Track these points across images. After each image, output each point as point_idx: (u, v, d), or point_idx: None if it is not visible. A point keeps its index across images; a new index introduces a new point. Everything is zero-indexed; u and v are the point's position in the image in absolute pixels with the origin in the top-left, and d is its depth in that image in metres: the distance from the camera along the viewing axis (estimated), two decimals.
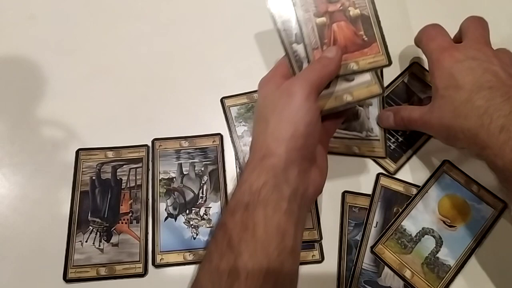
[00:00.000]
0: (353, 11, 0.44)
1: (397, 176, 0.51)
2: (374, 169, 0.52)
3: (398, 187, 0.50)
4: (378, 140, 0.52)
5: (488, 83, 0.41)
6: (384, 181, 0.50)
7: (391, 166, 0.51)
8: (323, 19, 0.44)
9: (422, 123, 0.46)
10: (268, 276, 0.33)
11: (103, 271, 0.46)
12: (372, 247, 0.47)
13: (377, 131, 0.52)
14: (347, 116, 0.52)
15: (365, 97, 0.43)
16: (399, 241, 0.47)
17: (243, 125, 0.53)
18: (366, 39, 0.43)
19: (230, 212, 0.36)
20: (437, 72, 0.45)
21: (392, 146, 0.52)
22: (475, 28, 0.47)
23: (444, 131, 0.44)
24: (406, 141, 0.53)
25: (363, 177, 0.51)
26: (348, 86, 0.43)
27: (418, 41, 0.50)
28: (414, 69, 0.57)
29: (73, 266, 0.46)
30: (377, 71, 0.44)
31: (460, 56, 0.43)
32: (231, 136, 0.53)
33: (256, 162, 0.38)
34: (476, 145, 0.41)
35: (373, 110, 0.53)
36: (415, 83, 0.56)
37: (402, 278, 0.45)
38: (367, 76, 0.43)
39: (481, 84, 0.41)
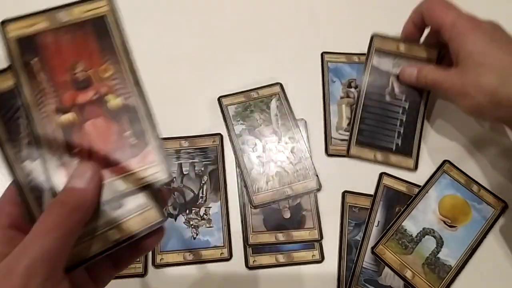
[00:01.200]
0: (113, 101, 0.30)
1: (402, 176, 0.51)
2: (374, 169, 0.52)
3: (401, 187, 0.50)
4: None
5: None
6: (387, 180, 0.50)
7: (407, 161, 0.51)
8: (69, 115, 0.29)
9: (450, 86, 0.45)
10: None
11: None
12: (372, 248, 0.47)
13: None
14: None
15: (141, 229, 0.29)
16: (400, 242, 0.47)
17: (241, 124, 0.53)
18: (135, 142, 0.30)
19: None
20: (471, 37, 0.43)
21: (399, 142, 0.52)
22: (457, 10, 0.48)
23: (483, 98, 0.42)
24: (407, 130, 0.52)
25: (363, 177, 0.51)
26: (113, 216, 0.29)
27: (421, 10, 0.49)
28: (376, 44, 0.53)
29: None
30: (155, 189, 0.30)
31: (488, 27, 0.45)
32: (229, 135, 0.53)
33: None
34: None
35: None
36: (384, 59, 0.53)
37: (403, 278, 0.45)
38: (140, 198, 0.30)
39: None
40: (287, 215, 0.49)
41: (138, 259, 0.47)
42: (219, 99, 0.55)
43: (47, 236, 0.25)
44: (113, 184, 0.29)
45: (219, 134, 0.53)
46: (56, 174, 0.28)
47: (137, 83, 0.31)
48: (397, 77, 0.52)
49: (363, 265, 0.46)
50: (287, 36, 0.59)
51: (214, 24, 0.61)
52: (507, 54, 0.42)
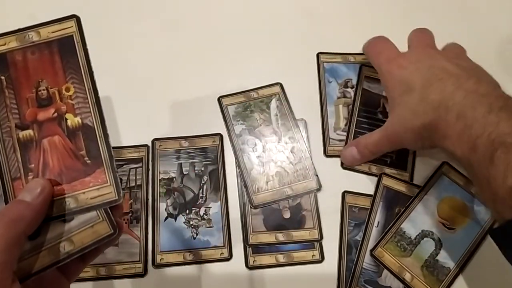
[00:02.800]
0: (72, 120, 0.31)
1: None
2: (374, 169, 0.52)
3: (401, 188, 0.50)
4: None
5: (436, 77, 0.41)
6: (386, 181, 0.50)
7: (403, 175, 0.51)
8: (29, 132, 0.31)
9: (388, 139, 0.46)
10: None
11: (103, 271, 0.46)
12: (371, 250, 0.47)
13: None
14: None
15: (92, 241, 0.31)
16: (399, 244, 0.47)
17: (241, 124, 0.53)
18: (89, 162, 0.31)
19: None
20: (389, 83, 0.45)
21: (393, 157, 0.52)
22: (418, 37, 0.49)
23: (409, 135, 0.43)
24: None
25: (363, 177, 0.51)
26: (65, 229, 0.30)
27: (366, 55, 0.51)
28: (365, 72, 0.56)
29: None
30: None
31: (405, 63, 0.44)
32: (229, 135, 0.53)
33: None
34: (439, 139, 0.41)
35: None
36: (374, 84, 0.55)
37: (402, 281, 0.45)
38: (91, 212, 0.31)
39: (429, 79, 0.42)
40: (287, 215, 0.50)
41: (138, 259, 0.47)
42: (219, 99, 0.55)
43: None
44: (65, 201, 0.30)
45: (219, 134, 0.53)
46: (11, 188, 0.30)
47: (97, 103, 0.32)
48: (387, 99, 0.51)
49: (363, 266, 0.46)
50: (285, 36, 0.59)
51: (214, 24, 0.60)
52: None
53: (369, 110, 0.54)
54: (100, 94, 0.55)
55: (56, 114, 0.31)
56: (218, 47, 0.59)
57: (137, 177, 0.51)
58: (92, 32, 0.61)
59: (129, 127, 0.54)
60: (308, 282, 0.47)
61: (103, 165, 0.31)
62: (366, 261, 0.47)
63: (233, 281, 0.47)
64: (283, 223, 0.49)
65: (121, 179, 0.48)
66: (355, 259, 0.47)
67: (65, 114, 0.31)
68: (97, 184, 0.31)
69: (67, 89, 0.32)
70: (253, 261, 0.48)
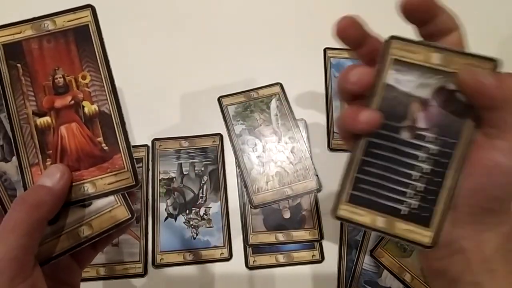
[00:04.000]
0: (89, 108, 0.32)
1: None
2: None
3: None
4: None
5: None
6: None
7: (423, 234, 0.29)
8: (46, 118, 0.31)
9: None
10: None
11: (103, 271, 0.46)
12: (371, 251, 0.47)
13: None
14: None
15: (110, 226, 0.31)
16: (399, 245, 0.47)
17: (241, 124, 0.53)
18: (106, 148, 0.31)
19: None
20: None
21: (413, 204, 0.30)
22: None
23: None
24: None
25: None
26: (84, 213, 0.31)
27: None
28: (394, 51, 0.30)
29: None
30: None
31: None
32: (229, 135, 0.53)
33: None
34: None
35: None
36: (407, 76, 0.30)
37: (402, 281, 0.45)
38: (109, 197, 0.32)
39: None
40: (287, 215, 0.50)
41: (138, 259, 0.47)
42: (219, 99, 0.55)
43: (10, 235, 0.26)
44: (83, 186, 0.31)
45: (219, 134, 0.53)
46: (29, 174, 0.30)
47: (113, 91, 0.32)
48: (424, 103, 0.30)
49: (363, 266, 0.46)
50: (288, 34, 0.59)
51: (214, 24, 0.60)
52: None
53: (388, 124, 0.29)
54: None
55: (73, 101, 0.32)
56: (218, 47, 0.59)
57: None
58: None
59: (129, 127, 0.54)
60: (308, 282, 0.47)
61: (120, 152, 0.31)
62: (366, 261, 0.47)
63: (233, 281, 0.47)
64: (283, 223, 0.49)
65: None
66: (355, 260, 0.47)
67: (82, 101, 0.32)
68: (114, 170, 0.31)
69: (84, 77, 0.32)
70: (253, 261, 0.48)
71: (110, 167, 0.31)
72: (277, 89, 0.55)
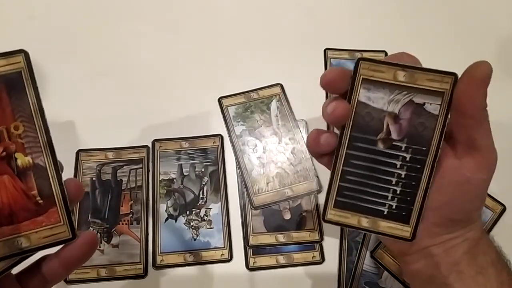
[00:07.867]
0: (22, 160, 0.30)
1: None
2: None
3: None
4: None
5: None
6: None
7: (403, 230, 0.34)
8: None
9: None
10: None
11: (103, 272, 0.46)
12: (372, 252, 0.47)
13: None
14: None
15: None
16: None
17: (241, 125, 0.53)
18: (41, 202, 0.30)
19: None
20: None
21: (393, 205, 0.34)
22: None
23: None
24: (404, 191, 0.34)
25: None
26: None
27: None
28: (363, 71, 0.33)
29: None
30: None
31: None
32: (230, 136, 0.53)
33: None
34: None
35: None
36: (376, 93, 0.33)
37: (402, 283, 0.45)
38: None
39: None
40: (288, 216, 0.49)
41: (138, 261, 0.47)
42: (219, 99, 0.55)
43: None
44: (17, 240, 0.30)
45: (220, 135, 0.53)
46: None
47: (48, 142, 0.31)
48: (395, 116, 0.34)
49: (363, 268, 0.46)
50: (288, 35, 0.59)
51: (215, 24, 0.61)
52: None
53: (364, 138, 0.34)
54: (100, 94, 0.56)
55: (4, 153, 0.30)
56: (218, 47, 0.59)
57: (138, 178, 0.51)
58: (93, 33, 0.61)
59: (130, 128, 0.54)
60: (308, 283, 0.47)
61: (56, 205, 0.30)
62: (367, 262, 0.47)
63: (233, 282, 0.47)
64: (283, 224, 0.49)
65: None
66: (356, 261, 0.47)
67: (14, 153, 0.30)
68: (50, 224, 0.30)
69: (16, 128, 0.30)
70: (254, 262, 0.47)
71: (45, 220, 0.30)
72: (277, 89, 0.55)
